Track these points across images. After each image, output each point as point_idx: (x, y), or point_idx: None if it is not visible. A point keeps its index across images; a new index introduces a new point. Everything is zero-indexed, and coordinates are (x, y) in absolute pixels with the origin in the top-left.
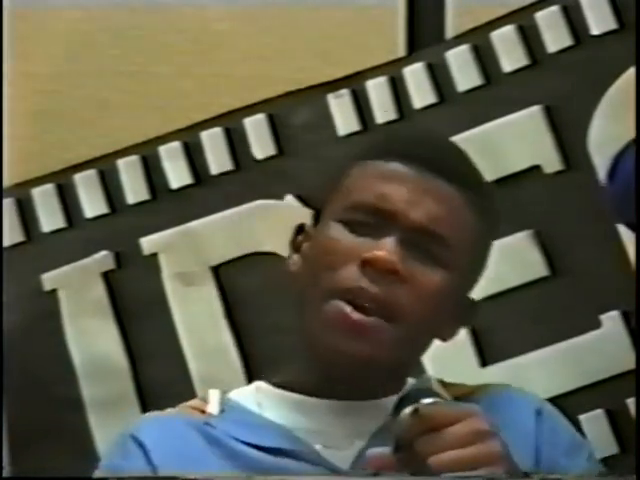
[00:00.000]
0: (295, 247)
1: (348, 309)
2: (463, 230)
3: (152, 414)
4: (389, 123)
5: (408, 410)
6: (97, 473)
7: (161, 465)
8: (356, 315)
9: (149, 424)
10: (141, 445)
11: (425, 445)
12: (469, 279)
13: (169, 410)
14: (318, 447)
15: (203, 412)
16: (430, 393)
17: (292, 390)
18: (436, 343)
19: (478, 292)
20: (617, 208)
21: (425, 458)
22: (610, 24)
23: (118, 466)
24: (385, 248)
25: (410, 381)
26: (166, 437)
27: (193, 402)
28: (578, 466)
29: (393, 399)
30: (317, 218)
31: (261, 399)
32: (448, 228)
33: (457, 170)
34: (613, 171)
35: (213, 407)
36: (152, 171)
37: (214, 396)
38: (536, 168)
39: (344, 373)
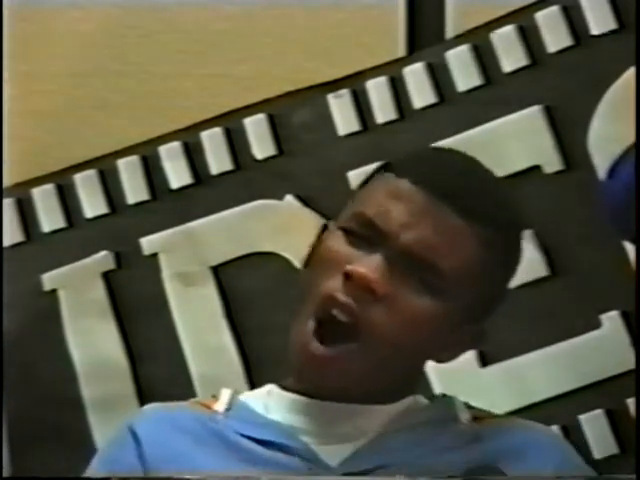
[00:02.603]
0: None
1: (312, 340)
2: (466, 262)
3: (156, 405)
4: (389, 123)
5: None
6: (93, 461)
7: (152, 460)
8: (319, 349)
9: (148, 417)
10: (136, 438)
11: None
12: (475, 310)
13: (177, 403)
14: (311, 444)
15: (210, 409)
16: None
17: (296, 392)
18: None
19: None
20: (613, 219)
21: None
22: (610, 24)
23: (111, 456)
24: (369, 265)
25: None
26: (163, 431)
27: (204, 399)
28: None
29: (393, 406)
30: None
31: (269, 401)
32: (442, 257)
33: (473, 205)
34: (609, 181)
35: (221, 405)
36: (152, 171)
37: (224, 395)
38: (536, 168)
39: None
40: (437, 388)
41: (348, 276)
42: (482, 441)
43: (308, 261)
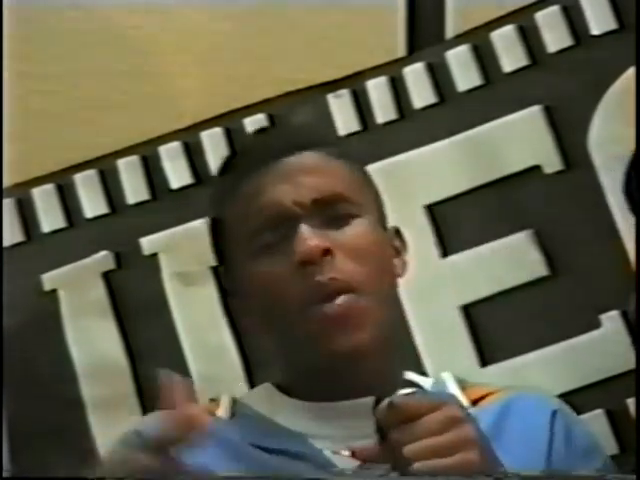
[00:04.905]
0: (227, 291)
1: (327, 308)
2: (342, 178)
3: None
4: (389, 123)
5: (384, 403)
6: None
7: None
8: (335, 307)
9: (155, 420)
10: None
11: (400, 435)
12: (380, 216)
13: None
14: (325, 450)
15: (213, 415)
16: (406, 384)
17: (300, 396)
18: (435, 343)
19: (478, 292)
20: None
21: (401, 448)
22: (610, 24)
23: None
24: (305, 238)
25: (424, 379)
26: None
27: (203, 405)
28: (593, 469)
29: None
30: (219, 257)
31: (272, 406)
32: (333, 185)
33: (295, 137)
34: (629, 179)
35: (224, 411)
36: (152, 171)
37: (225, 400)
38: (536, 168)
39: (345, 368)
40: None
41: (303, 263)
42: (482, 421)
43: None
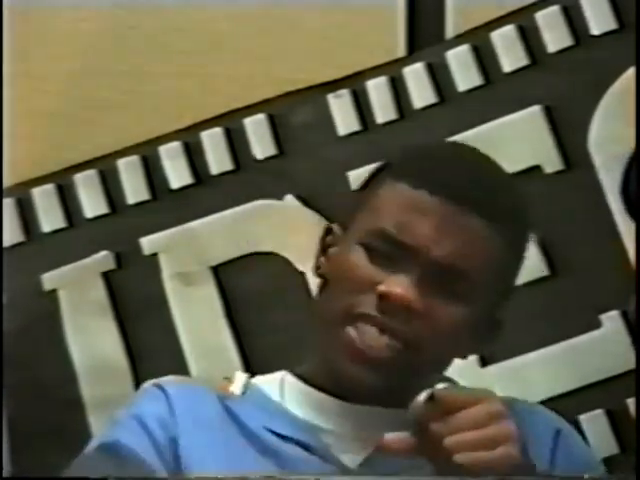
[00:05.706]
0: (323, 248)
1: (356, 337)
2: (487, 262)
3: (175, 377)
4: (389, 123)
5: (423, 396)
6: (121, 413)
7: (181, 414)
8: (365, 343)
9: (172, 380)
10: (164, 392)
11: (441, 428)
12: (491, 306)
13: (194, 377)
14: (332, 447)
15: (226, 391)
16: (443, 379)
17: (314, 385)
18: None
19: None
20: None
21: (441, 440)
22: (610, 24)
23: (139, 409)
24: (403, 284)
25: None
26: (188, 394)
27: (217, 380)
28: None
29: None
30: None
31: (284, 391)
32: (471, 263)
33: (488, 202)
34: (626, 181)
35: (236, 387)
36: (152, 171)
37: (239, 378)
38: (536, 168)
39: (358, 395)
40: None
41: (383, 297)
42: None
43: (325, 276)
